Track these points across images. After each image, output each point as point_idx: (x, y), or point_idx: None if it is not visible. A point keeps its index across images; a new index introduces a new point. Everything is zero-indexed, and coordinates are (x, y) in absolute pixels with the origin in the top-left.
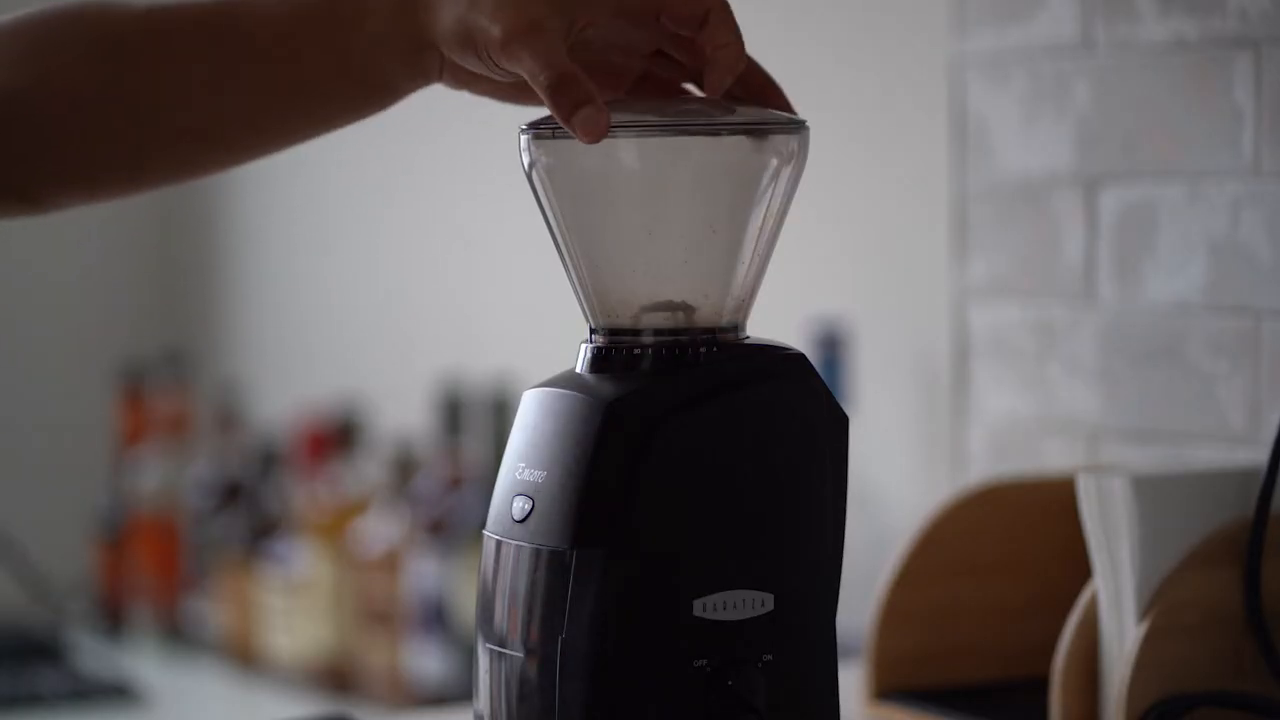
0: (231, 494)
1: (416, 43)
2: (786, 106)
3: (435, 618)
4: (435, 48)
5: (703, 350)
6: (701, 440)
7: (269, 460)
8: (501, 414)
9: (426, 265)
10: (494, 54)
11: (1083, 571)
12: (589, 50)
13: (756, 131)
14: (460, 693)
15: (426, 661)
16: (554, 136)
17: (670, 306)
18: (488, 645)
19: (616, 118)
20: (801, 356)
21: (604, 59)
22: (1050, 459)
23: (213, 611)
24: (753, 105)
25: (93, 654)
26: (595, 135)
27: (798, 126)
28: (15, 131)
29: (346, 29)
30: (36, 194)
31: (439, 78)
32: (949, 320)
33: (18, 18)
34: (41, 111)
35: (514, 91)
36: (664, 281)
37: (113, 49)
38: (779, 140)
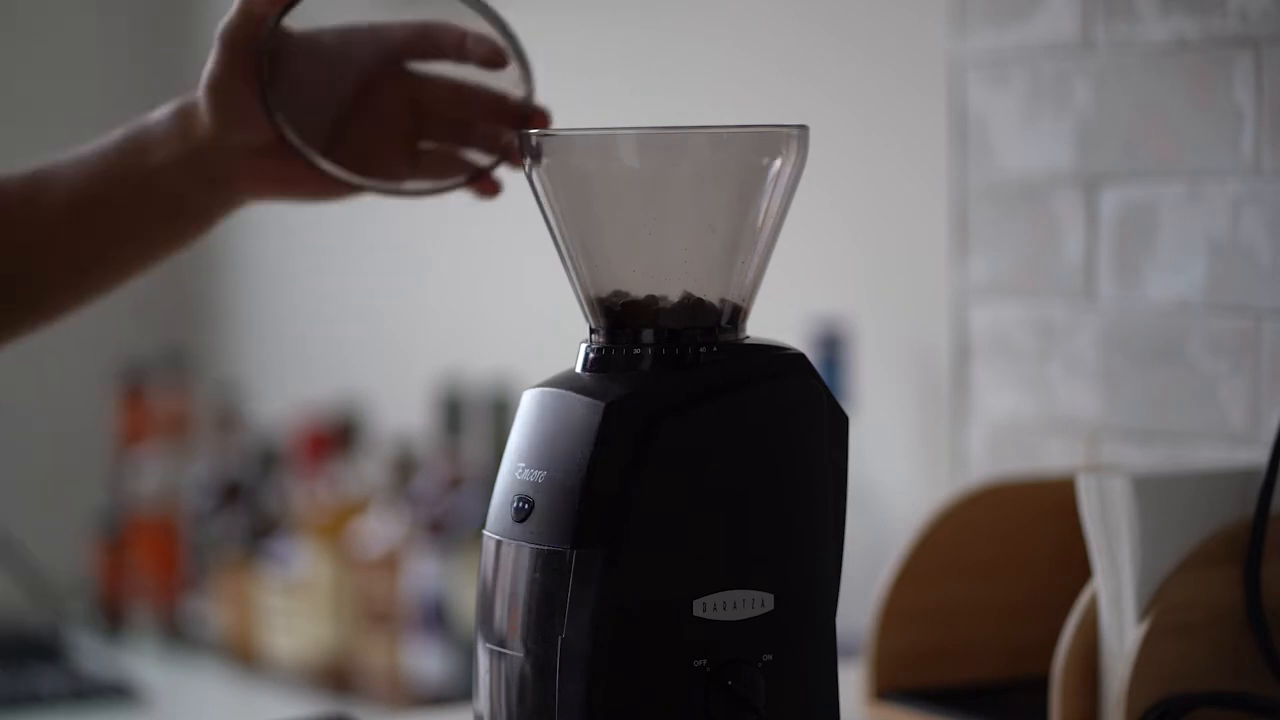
0: (231, 494)
1: (196, 149)
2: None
3: (435, 618)
4: (216, 154)
5: (703, 350)
6: (701, 440)
7: (269, 460)
8: (501, 414)
9: (426, 265)
10: (219, 61)
11: (1083, 571)
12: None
13: (757, 132)
14: (460, 693)
15: (426, 661)
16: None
17: (670, 306)
18: (488, 645)
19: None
20: (801, 356)
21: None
22: (1050, 459)
23: (213, 611)
24: None
25: (93, 654)
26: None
27: (797, 126)
28: None
29: (137, 152)
30: None
31: (240, 191)
32: (949, 320)
33: None
34: None
35: (316, 187)
36: (664, 281)
37: None
38: (779, 140)
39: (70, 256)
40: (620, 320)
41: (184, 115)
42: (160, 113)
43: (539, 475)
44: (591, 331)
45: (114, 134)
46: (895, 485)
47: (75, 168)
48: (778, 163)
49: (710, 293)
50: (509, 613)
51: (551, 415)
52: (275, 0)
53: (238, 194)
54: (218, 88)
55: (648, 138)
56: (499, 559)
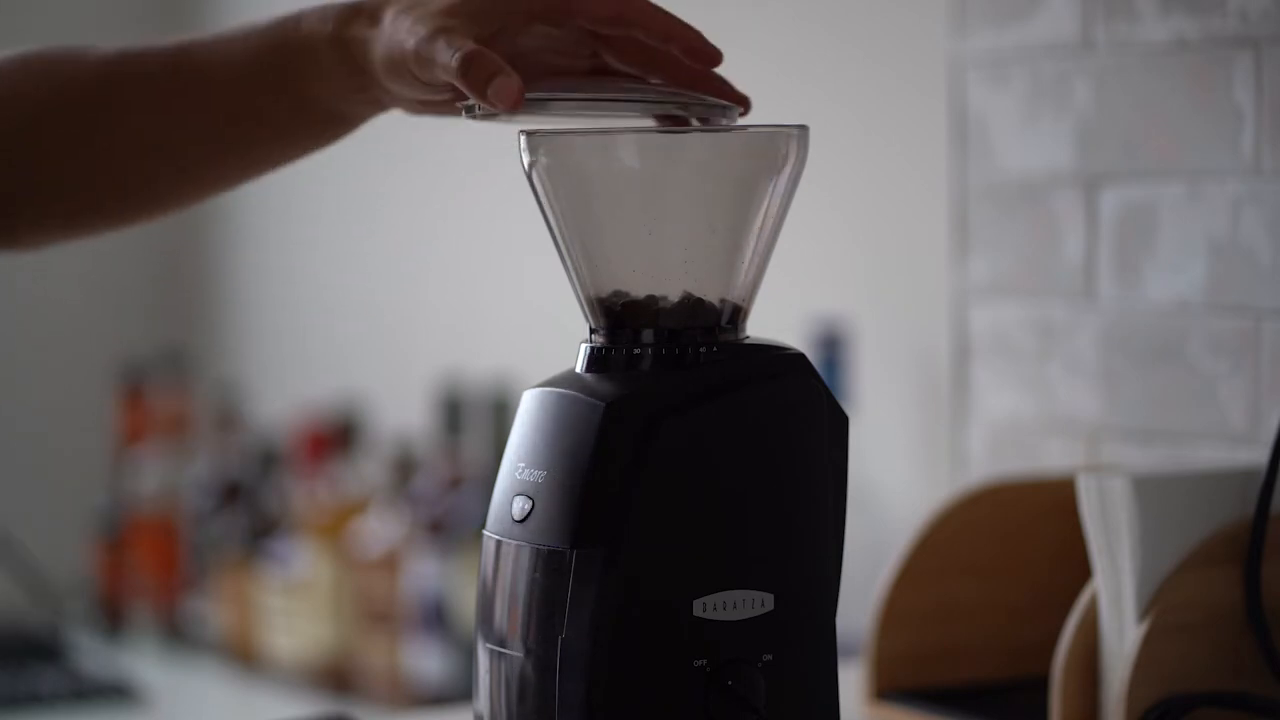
0: (231, 494)
1: (360, 78)
2: (725, 92)
3: (435, 618)
4: (377, 79)
5: (703, 350)
6: (701, 440)
7: (269, 460)
8: (501, 414)
9: (426, 265)
10: (411, 67)
11: (1083, 571)
12: (524, 58)
13: (757, 132)
14: (460, 693)
15: (426, 661)
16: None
17: (670, 306)
18: (488, 645)
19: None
20: (801, 356)
21: (544, 61)
22: (1050, 459)
23: (213, 611)
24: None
25: (93, 654)
26: (509, 102)
27: (797, 126)
28: (17, 172)
29: (292, 69)
30: (16, 233)
31: (392, 104)
32: (949, 320)
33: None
34: (18, 158)
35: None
36: (664, 281)
37: (80, 97)
38: (779, 140)
39: (215, 136)
40: (620, 320)
41: (349, 46)
42: (315, 33)
43: (539, 475)
44: (591, 331)
45: (253, 38)
46: (895, 485)
47: (226, 63)
48: (778, 162)
49: (710, 293)
50: (509, 613)
51: (551, 415)
52: (508, 104)
53: (396, 109)
54: (397, 79)
55: (648, 138)
56: (499, 559)
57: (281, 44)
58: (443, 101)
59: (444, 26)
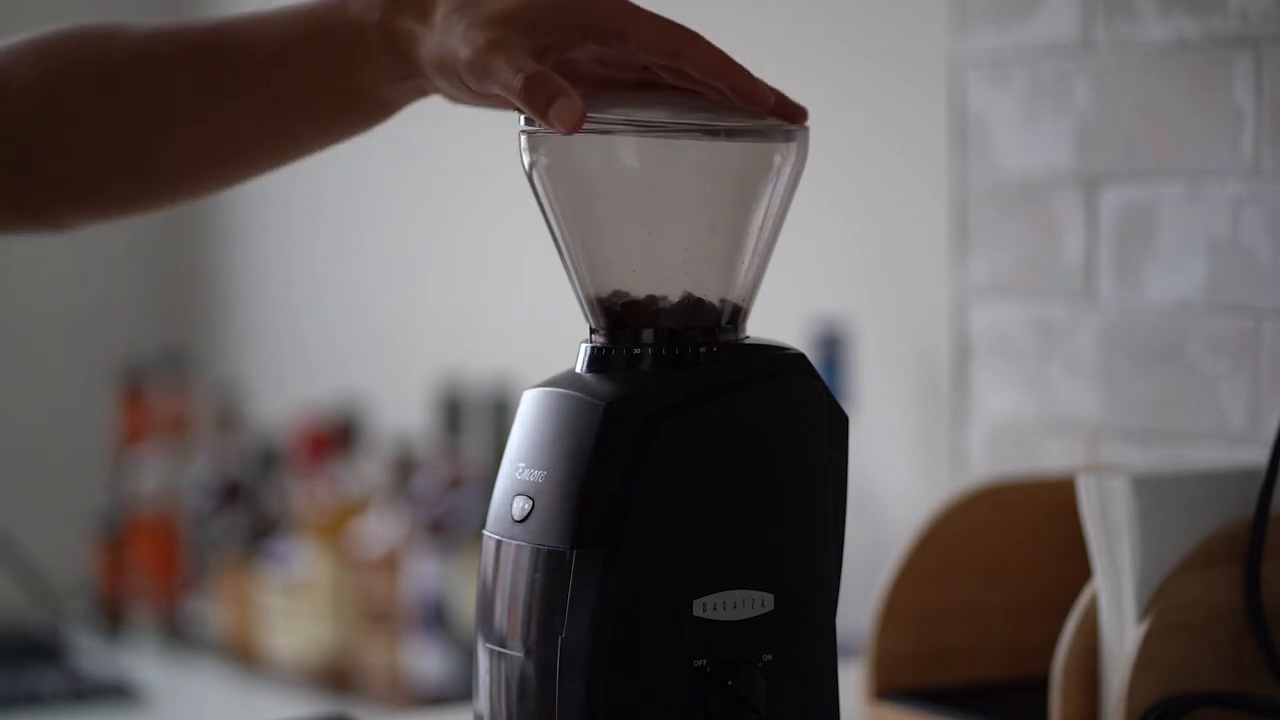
0: (231, 494)
1: (405, 68)
2: (783, 107)
3: (435, 618)
4: (423, 71)
5: (703, 350)
6: (701, 440)
7: (269, 460)
8: (501, 414)
9: (426, 265)
10: (465, 76)
11: (1083, 571)
12: (571, 65)
13: (756, 132)
14: (460, 693)
15: (426, 661)
16: (548, 131)
17: (670, 306)
18: (488, 645)
19: (616, 116)
20: (801, 356)
21: (590, 72)
22: (1050, 459)
23: (212, 611)
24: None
25: (93, 654)
26: (572, 125)
27: (797, 127)
28: (31, 156)
29: (337, 52)
30: (53, 215)
31: (434, 91)
32: (949, 320)
33: (26, 41)
34: (54, 137)
35: (506, 102)
36: (664, 281)
37: (116, 76)
38: (779, 141)
39: (249, 118)
40: (620, 320)
41: (397, 36)
42: (361, 18)
43: (539, 475)
44: (591, 331)
45: (295, 20)
46: (895, 485)
47: (265, 44)
48: (778, 163)
49: (710, 293)
50: (509, 613)
51: (551, 415)
52: (570, 127)
53: (430, 95)
54: (445, 80)
55: (647, 138)
56: (499, 559)
57: (326, 27)
58: (487, 97)
59: (499, 39)
